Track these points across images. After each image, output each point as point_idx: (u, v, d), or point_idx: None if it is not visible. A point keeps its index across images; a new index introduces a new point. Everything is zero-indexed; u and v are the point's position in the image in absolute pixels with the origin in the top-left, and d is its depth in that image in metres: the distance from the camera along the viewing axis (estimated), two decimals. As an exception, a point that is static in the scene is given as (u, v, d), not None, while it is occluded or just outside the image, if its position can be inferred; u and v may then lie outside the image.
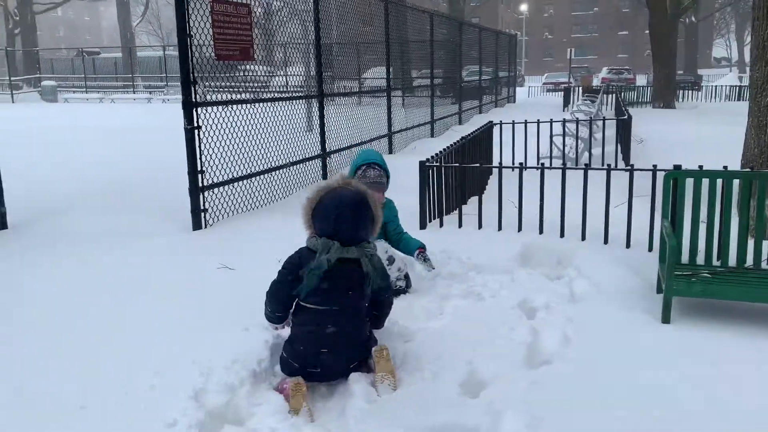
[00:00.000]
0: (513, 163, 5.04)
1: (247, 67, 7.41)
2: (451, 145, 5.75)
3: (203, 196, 5.47)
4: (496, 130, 8.24)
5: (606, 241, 4.66)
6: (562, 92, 23.16)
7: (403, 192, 5.03)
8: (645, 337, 3.32)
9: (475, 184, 6.24)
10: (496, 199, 5.05)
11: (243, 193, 6.10)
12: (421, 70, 13.34)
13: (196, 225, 5.42)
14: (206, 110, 5.48)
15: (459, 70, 15.93)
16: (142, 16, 46.28)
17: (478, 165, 5.51)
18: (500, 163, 5.02)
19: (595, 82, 35.73)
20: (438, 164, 5.09)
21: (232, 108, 5.88)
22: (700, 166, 4.15)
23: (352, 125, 8.96)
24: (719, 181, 3.92)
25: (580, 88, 24.28)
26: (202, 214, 5.46)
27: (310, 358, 2.80)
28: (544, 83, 38.91)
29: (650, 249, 4.50)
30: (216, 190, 5.71)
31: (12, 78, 30.49)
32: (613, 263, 4.27)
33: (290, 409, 2.59)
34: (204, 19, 5.37)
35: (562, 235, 4.77)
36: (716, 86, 27.02)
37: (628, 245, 4.60)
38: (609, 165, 4.66)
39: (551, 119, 8.33)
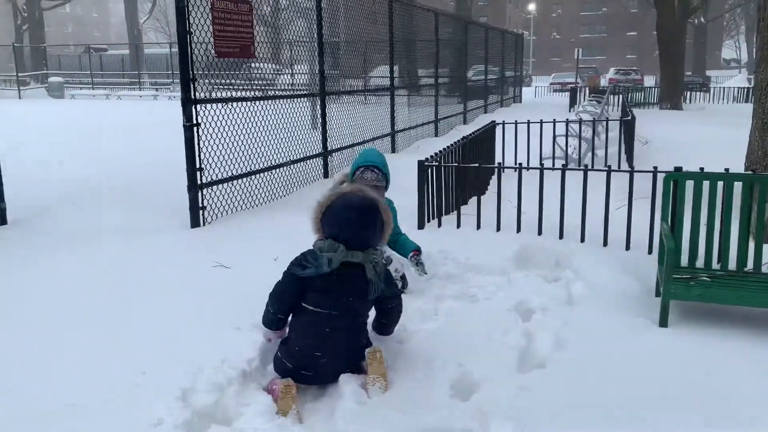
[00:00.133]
0: (515, 164, 4.97)
1: (253, 65, 7.42)
2: (451, 144, 5.71)
3: (202, 194, 5.45)
4: (501, 131, 8.20)
5: (605, 243, 4.62)
6: (569, 92, 23.05)
7: (404, 191, 5.01)
8: (641, 341, 3.28)
9: (476, 184, 6.20)
10: (497, 200, 5.01)
11: (242, 191, 6.08)
12: (426, 69, 13.29)
13: (194, 222, 5.41)
14: (205, 107, 5.47)
15: (464, 69, 15.87)
16: (150, 13, 46.39)
17: (476, 165, 5.46)
18: (498, 164, 4.98)
19: (603, 82, 35.56)
20: (437, 164, 5.05)
21: (231, 105, 5.86)
22: (701, 168, 4.09)
23: (354, 124, 8.93)
24: (720, 184, 3.87)
25: (587, 88, 24.17)
26: (201, 212, 5.45)
27: (305, 360, 2.78)
28: (551, 83, 38.77)
29: (650, 251, 4.46)
30: (215, 187, 5.69)
31: (19, 74, 30.63)
32: (611, 266, 4.23)
33: (278, 410, 2.57)
34: (205, 16, 5.35)
35: (561, 236, 4.73)
36: (724, 88, 26.84)
37: (627, 247, 4.56)
38: (609, 166, 4.61)
39: (554, 119, 8.26)
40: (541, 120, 8.16)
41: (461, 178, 5.44)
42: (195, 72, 5.29)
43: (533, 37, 67.73)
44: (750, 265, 3.85)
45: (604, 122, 8.83)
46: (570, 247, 4.55)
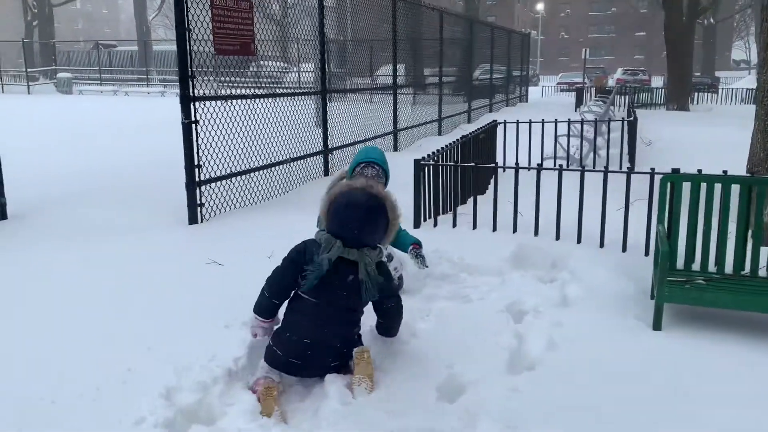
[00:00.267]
0: (516, 164, 4.94)
1: (261, 62, 7.45)
2: (450, 143, 5.69)
3: (200, 191, 5.45)
4: (503, 130, 8.16)
5: (602, 245, 4.58)
6: (575, 92, 22.94)
7: (404, 190, 4.97)
8: (633, 344, 3.25)
9: (475, 184, 6.17)
10: (499, 200, 4.97)
11: (241, 188, 6.08)
12: (430, 68, 13.26)
13: (192, 219, 5.41)
14: (204, 105, 5.46)
15: (469, 68, 15.82)
16: (159, 10, 46.50)
17: (473, 164, 5.43)
18: (496, 163, 4.95)
19: (611, 83, 35.38)
20: (433, 163, 5.03)
21: (231, 103, 5.86)
22: (699, 170, 4.05)
23: (356, 122, 8.92)
24: (717, 186, 3.82)
25: (593, 88, 24.06)
26: (198, 209, 5.44)
27: (295, 348, 2.78)
28: (558, 83, 38.62)
29: (647, 254, 4.42)
30: (214, 184, 5.69)
31: (29, 69, 30.77)
32: (607, 267, 4.19)
33: (262, 411, 2.55)
34: (204, 13, 5.35)
35: (557, 237, 4.70)
36: (733, 89, 26.64)
37: (624, 249, 4.52)
38: (605, 167, 4.57)
39: (555, 119, 8.21)
40: (543, 120, 8.11)
41: (458, 177, 5.40)
42: (195, 69, 5.28)
43: (541, 36, 67.50)
44: (747, 268, 3.81)
45: (609, 122, 8.75)
46: (566, 248, 4.51)
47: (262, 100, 6.40)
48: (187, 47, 5.18)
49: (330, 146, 7.92)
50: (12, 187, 5.63)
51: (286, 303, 2.96)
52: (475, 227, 4.96)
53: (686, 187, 3.85)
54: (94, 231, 5.06)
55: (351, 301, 2.85)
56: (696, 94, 24.81)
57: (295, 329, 2.81)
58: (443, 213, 5.35)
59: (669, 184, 3.86)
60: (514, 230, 4.84)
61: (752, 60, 63.05)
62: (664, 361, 3.08)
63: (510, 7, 64.74)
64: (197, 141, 5.34)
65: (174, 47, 5.31)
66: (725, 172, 4.00)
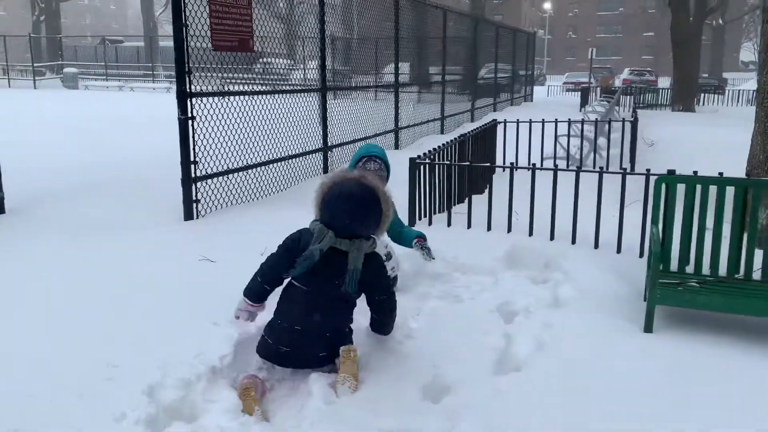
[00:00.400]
0: (512, 163, 4.91)
1: (266, 59, 7.43)
2: (448, 142, 5.66)
3: (196, 187, 5.44)
4: (503, 129, 8.13)
5: (596, 246, 4.55)
6: (580, 92, 22.86)
7: (404, 187, 4.98)
8: (623, 346, 3.23)
9: (473, 183, 6.14)
10: (496, 200, 4.95)
11: (239, 185, 6.07)
12: (433, 66, 13.23)
13: (188, 215, 5.40)
14: (201, 101, 5.45)
15: (473, 67, 15.77)
16: (165, 6, 46.37)
17: (467, 164, 5.40)
18: (491, 163, 4.92)
19: (618, 83, 35.23)
20: (428, 161, 5.00)
21: (228, 99, 5.85)
22: (695, 172, 4.02)
23: (357, 119, 8.90)
24: (713, 188, 3.79)
25: (599, 88, 23.97)
26: (195, 205, 5.44)
27: (284, 334, 2.81)
28: (564, 83, 38.47)
29: (641, 255, 4.39)
30: (210, 181, 5.68)
31: (35, 64, 30.86)
32: (601, 268, 4.17)
33: (243, 410, 2.54)
34: (202, 8, 5.34)
35: (552, 237, 4.67)
36: (740, 90, 26.48)
37: (618, 250, 4.49)
38: (601, 168, 4.54)
39: (555, 119, 8.17)
40: (543, 119, 8.07)
41: (453, 176, 5.38)
42: (193, 65, 5.28)
43: (548, 36, 67.26)
44: (741, 271, 3.77)
45: (610, 123, 8.70)
46: (561, 248, 4.49)
47: (261, 96, 6.39)
48: (184, 43, 5.17)
49: (330, 143, 7.90)
50: (12, 181, 5.64)
51: (280, 292, 2.98)
52: (469, 226, 4.93)
53: (682, 189, 3.82)
54: (88, 226, 5.06)
55: (342, 292, 2.84)
56: (702, 95, 24.66)
57: (286, 317, 2.85)
58: (439, 212, 5.33)
59: (664, 185, 3.83)
60: (509, 230, 4.81)
61: (761, 61, 62.52)
62: (654, 363, 3.06)
63: (517, 6, 64.54)
64: (194, 137, 5.34)
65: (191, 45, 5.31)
66: (721, 173, 3.97)
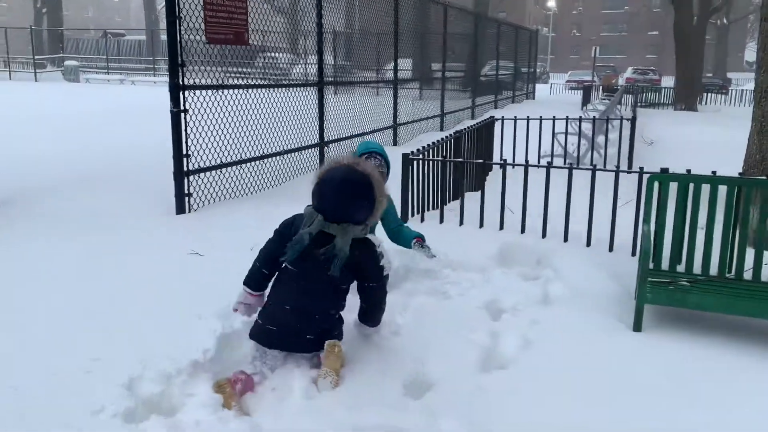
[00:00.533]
0: (504, 160, 4.88)
1: (267, 54, 7.41)
2: (443, 138, 5.62)
3: (188, 180, 5.42)
4: (500, 126, 8.08)
5: (588, 244, 4.52)
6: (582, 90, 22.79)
7: (396, 182, 4.94)
8: (610, 345, 3.20)
9: (469, 179, 6.11)
10: (491, 197, 4.92)
11: (233, 179, 6.05)
12: (433, 62, 13.18)
13: (180, 209, 5.38)
14: (194, 94, 5.43)
15: (474, 63, 15.72)
16: (168, -1, 46.44)
17: (460, 160, 5.37)
18: (484, 160, 4.89)
19: (621, 82, 35.13)
20: (421, 157, 4.97)
21: (223, 93, 5.82)
22: (688, 170, 3.99)
23: (355, 115, 8.87)
24: (706, 187, 3.75)
25: (601, 86, 23.90)
26: (186, 199, 5.42)
27: (274, 313, 2.85)
28: (567, 81, 38.39)
29: (634, 254, 4.36)
30: (203, 175, 5.66)
31: (37, 57, 30.81)
32: (593, 266, 4.14)
33: (223, 405, 2.52)
34: (197, 0, 5.31)
35: (543, 235, 4.64)
36: (744, 90, 26.38)
37: (611, 249, 4.46)
38: (594, 165, 4.51)
39: (554, 116, 8.13)
40: (541, 117, 8.03)
41: (446, 172, 5.35)
42: (186, 58, 5.26)
43: (552, 33, 67.07)
44: (733, 271, 3.74)
45: (611, 121, 8.65)
46: (552, 246, 4.46)
47: (256, 90, 6.37)
48: (178, 35, 5.15)
49: (327, 139, 7.87)
50: (4, 174, 5.62)
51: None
52: (461, 223, 4.90)
53: (676, 187, 3.79)
54: (77, 218, 5.05)
55: (332, 276, 2.83)
56: (706, 95, 24.58)
57: (277, 297, 2.92)
58: (433, 208, 5.30)
59: (656, 183, 3.80)
60: (501, 227, 4.78)
61: (765, 62, 62.27)
62: (641, 362, 3.03)
63: (521, 4, 64.38)
64: (186, 130, 5.31)
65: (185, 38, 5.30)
66: (714, 172, 3.94)
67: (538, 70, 32.43)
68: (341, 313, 2.99)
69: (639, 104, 17.76)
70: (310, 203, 2.95)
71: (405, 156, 4.91)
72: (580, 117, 8.32)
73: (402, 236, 3.98)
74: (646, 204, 3.77)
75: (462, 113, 14.61)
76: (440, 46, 12.73)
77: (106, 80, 29.39)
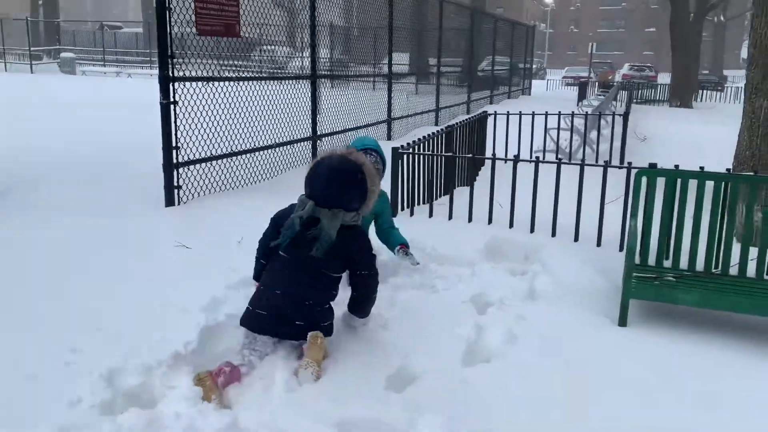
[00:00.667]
0: (493, 154, 4.87)
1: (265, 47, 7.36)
2: (434, 132, 5.61)
3: (177, 173, 5.40)
4: (493, 121, 8.07)
5: (576, 239, 4.52)
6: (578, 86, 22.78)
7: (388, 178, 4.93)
8: (595, 339, 3.20)
9: (461, 174, 6.10)
10: (481, 192, 4.91)
11: (223, 172, 6.02)
12: (429, 57, 13.16)
13: (169, 201, 5.36)
14: (184, 86, 5.40)
15: (470, 59, 15.69)
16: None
17: (450, 154, 5.36)
18: (473, 154, 4.88)
19: (618, 78, 35.12)
20: (411, 151, 4.95)
21: (213, 85, 5.79)
22: (676, 166, 3.98)
23: (349, 109, 8.85)
24: (694, 182, 3.75)
25: (597, 83, 23.89)
26: (176, 191, 5.40)
27: (264, 297, 2.87)
28: (564, 77, 38.36)
29: (621, 249, 4.35)
30: (193, 167, 5.64)
31: (33, 48, 30.65)
32: (580, 261, 4.13)
33: (203, 397, 2.51)
34: (187, -8, 5.28)
35: (532, 230, 4.63)
36: (739, 87, 26.39)
37: (599, 244, 4.46)
38: (582, 160, 4.50)
39: (546, 112, 8.11)
40: (533, 112, 8.02)
41: (435, 167, 5.33)
42: (175, 49, 5.23)
43: (550, 29, 66.98)
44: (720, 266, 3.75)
45: (606, 117, 8.65)
46: (541, 241, 4.45)
47: (249, 83, 6.34)
48: (167, 27, 5.12)
49: (319, 132, 7.85)
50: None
51: None
52: (450, 218, 4.90)
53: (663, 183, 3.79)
54: (66, 210, 5.02)
55: (323, 261, 2.87)
56: (702, 91, 24.59)
57: (266, 281, 2.95)
58: (423, 203, 5.29)
59: (644, 179, 3.79)
60: (489, 222, 4.78)
61: (762, 59, 62.23)
62: (624, 357, 3.03)
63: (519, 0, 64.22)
64: (175, 122, 5.29)
65: (178, 29, 5.28)
66: (702, 168, 3.94)
67: (534, 66, 32.41)
68: (332, 304, 2.99)
69: (634, 101, 17.75)
70: (303, 193, 2.99)
71: (395, 150, 4.90)
72: (573, 113, 8.30)
73: (390, 239, 3.98)
74: (634, 199, 3.76)
75: (457, 108, 14.59)
76: (435, 42, 12.70)
77: (102, 72, 29.27)
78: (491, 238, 4.44)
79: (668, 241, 3.82)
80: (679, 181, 3.77)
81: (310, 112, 7.55)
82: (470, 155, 4.83)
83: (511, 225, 4.69)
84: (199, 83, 5.61)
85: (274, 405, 2.50)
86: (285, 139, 7.03)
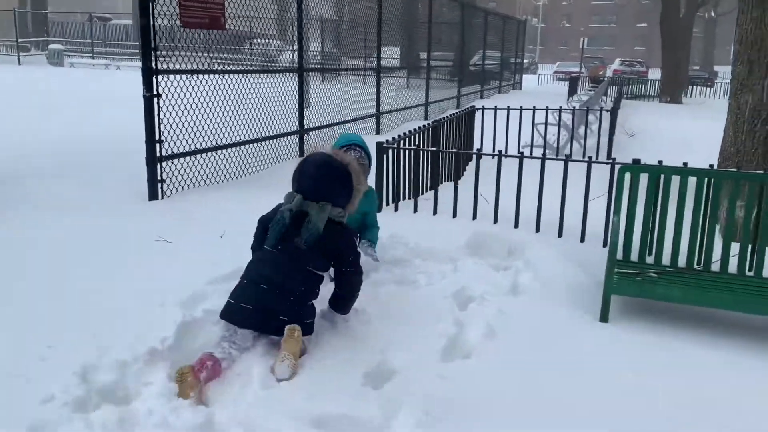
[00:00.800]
0: (479, 149, 4.85)
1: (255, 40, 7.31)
2: (420, 127, 5.58)
3: (161, 166, 5.35)
4: (481, 116, 8.06)
5: (560, 234, 4.52)
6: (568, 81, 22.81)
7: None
8: (575, 335, 3.20)
9: (448, 169, 6.08)
10: (467, 187, 4.90)
11: (208, 166, 5.97)
12: (418, 51, 13.11)
13: (152, 195, 5.32)
14: (168, 78, 5.35)
15: (460, 53, 15.65)
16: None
17: (434, 149, 5.33)
18: (458, 149, 4.86)
19: (609, 73, 35.18)
20: (395, 146, 4.93)
21: (197, 78, 5.73)
22: (660, 161, 3.98)
23: (337, 103, 8.80)
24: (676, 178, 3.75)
25: (588, 78, 23.92)
26: (159, 185, 5.35)
27: (248, 291, 2.86)
28: (555, 72, 38.39)
29: (605, 244, 4.35)
30: (178, 161, 5.59)
31: (20, 40, 30.32)
32: (563, 257, 4.13)
33: (178, 394, 2.48)
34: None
35: (516, 225, 4.62)
36: (728, 83, 26.48)
37: (582, 239, 4.46)
38: (567, 156, 4.49)
39: (533, 107, 8.10)
40: (521, 107, 8.00)
41: (423, 162, 5.31)
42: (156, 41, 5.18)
43: (542, 24, 67.00)
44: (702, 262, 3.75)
45: (588, 111, 8.65)
46: (524, 236, 4.44)
47: (233, 76, 6.29)
48: (150, 19, 5.07)
49: (307, 126, 7.80)
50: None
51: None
52: (435, 213, 4.88)
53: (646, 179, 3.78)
54: (48, 204, 4.97)
55: (307, 254, 2.89)
56: (692, 87, 24.68)
57: (251, 274, 2.93)
58: (409, 198, 5.26)
59: (627, 174, 3.79)
60: (474, 217, 4.76)
61: (752, 55, 62.49)
62: (605, 352, 3.03)
63: (511, -6, 64.13)
64: (159, 115, 5.24)
65: (166, 21, 5.23)
66: (685, 164, 3.94)
67: (526, 61, 32.40)
68: (314, 303, 2.98)
69: (625, 96, 17.80)
70: (291, 190, 3.05)
71: (379, 144, 4.87)
72: (560, 108, 8.30)
73: (365, 232, 3.98)
74: (617, 195, 3.76)
75: (447, 103, 14.56)
76: (425, 36, 12.65)
77: (91, 65, 29.00)
78: (475, 234, 4.42)
79: (651, 237, 3.83)
80: (662, 177, 3.76)
81: (296, 106, 7.50)
82: (455, 150, 4.79)
83: (495, 220, 4.68)
84: (184, 76, 5.56)
85: (249, 402, 2.48)
86: (272, 133, 6.99)
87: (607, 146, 7.84)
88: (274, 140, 7.07)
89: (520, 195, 4.57)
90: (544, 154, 4.44)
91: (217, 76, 6.02)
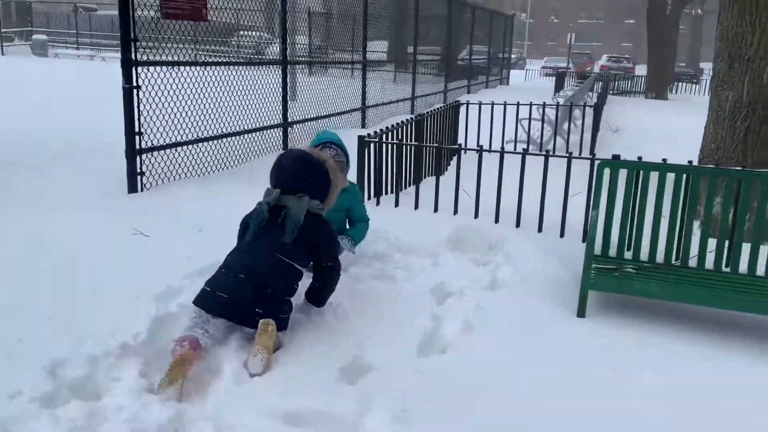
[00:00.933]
0: (459, 145, 4.84)
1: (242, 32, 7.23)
2: (403, 121, 5.56)
3: (140, 159, 5.30)
4: (465, 111, 8.04)
5: (540, 229, 4.52)
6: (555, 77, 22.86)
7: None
8: (552, 330, 3.20)
9: (431, 164, 6.06)
10: (448, 181, 4.89)
11: (189, 159, 5.92)
12: (405, 45, 13.07)
13: (132, 188, 5.27)
14: (148, 70, 5.29)
15: (447, 47, 15.63)
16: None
17: (416, 144, 5.32)
18: (439, 144, 4.84)
19: (596, 69, 35.31)
20: (377, 140, 4.90)
21: (179, 69, 5.67)
22: (639, 157, 3.98)
23: (322, 96, 8.76)
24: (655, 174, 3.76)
25: (575, 73, 23.99)
26: (139, 178, 5.30)
27: (226, 281, 2.85)
28: (543, 67, 38.47)
29: (584, 240, 4.36)
30: (158, 153, 5.53)
31: (4, 30, 29.90)
32: (543, 252, 4.13)
33: (165, 376, 2.43)
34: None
35: (497, 220, 4.62)
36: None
37: (562, 234, 4.46)
38: (547, 151, 4.49)
39: (518, 102, 8.11)
40: (505, 102, 8.00)
41: (405, 156, 5.29)
42: (138, 32, 5.12)
43: (530, 20, 67.08)
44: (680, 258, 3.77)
45: (571, 107, 8.66)
46: (505, 231, 4.44)
47: (216, 68, 6.23)
48: (130, 9, 5.00)
49: (290, 119, 7.76)
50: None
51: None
52: (416, 207, 4.87)
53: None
54: (26, 197, 4.92)
55: (290, 252, 2.92)
56: (677, 83, 24.83)
57: (230, 264, 2.93)
58: (391, 192, 5.24)
59: (607, 170, 3.79)
60: (455, 212, 4.76)
61: (738, 53, 62.91)
62: (581, 348, 3.03)
63: (500, -11, 64.06)
64: (138, 107, 5.18)
65: (151, 12, 5.17)
66: (664, 160, 3.95)
67: (514, 56, 32.42)
68: (291, 300, 2.97)
69: (611, 92, 17.87)
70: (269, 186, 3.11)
71: (360, 138, 4.84)
72: (544, 103, 8.30)
73: (352, 229, 3.95)
74: (596, 190, 3.76)
75: (434, 97, 14.54)
76: (411, 30, 12.61)
77: (75, 55, 28.66)
78: (456, 228, 4.41)
79: (630, 233, 3.84)
80: (641, 172, 3.77)
81: (280, 99, 7.45)
82: (437, 145, 4.78)
83: (476, 215, 4.68)
84: (165, 68, 5.50)
85: (220, 397, 2.46)
86: (255, 126, 6.94)
87: (590, 142, 7.86)
88: (257, 133, 7.02)
89: (501, 190, 4.57)
90: (525, 149, 4.42)
91: (199, 68, 5.96)
